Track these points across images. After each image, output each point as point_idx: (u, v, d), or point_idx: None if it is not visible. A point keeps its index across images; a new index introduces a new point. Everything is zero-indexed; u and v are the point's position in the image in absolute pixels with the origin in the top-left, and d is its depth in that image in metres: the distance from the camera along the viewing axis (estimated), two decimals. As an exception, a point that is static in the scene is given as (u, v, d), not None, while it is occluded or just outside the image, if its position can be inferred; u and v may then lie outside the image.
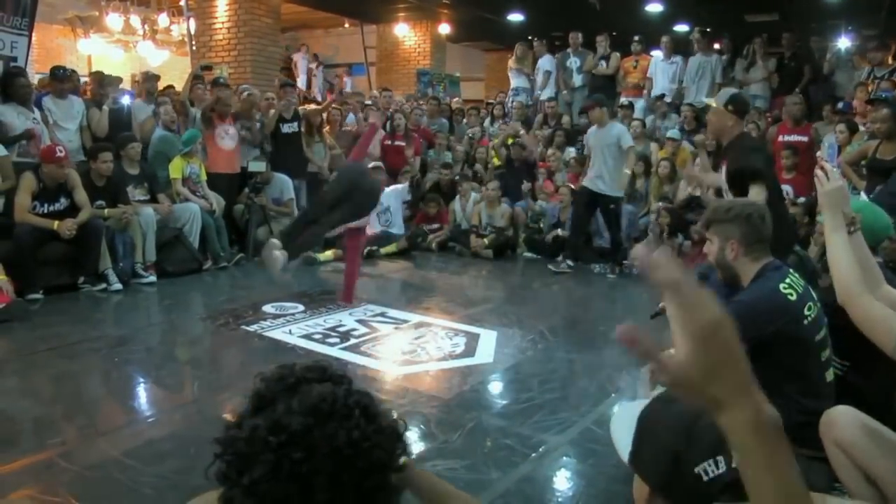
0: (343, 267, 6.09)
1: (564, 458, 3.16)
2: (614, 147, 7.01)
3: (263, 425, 0.95)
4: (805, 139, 7.65)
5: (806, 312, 2.56)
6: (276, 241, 5.19)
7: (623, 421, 1.34)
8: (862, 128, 6.83)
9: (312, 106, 8.94)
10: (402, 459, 1.03)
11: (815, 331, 2.58)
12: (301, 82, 13.79)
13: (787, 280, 2.59)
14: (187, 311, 5.86)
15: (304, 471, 0.93)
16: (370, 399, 1.03)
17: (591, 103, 7.44)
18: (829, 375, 2.65)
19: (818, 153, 7.18)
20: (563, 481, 3.00)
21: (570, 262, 7.37)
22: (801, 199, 6.99)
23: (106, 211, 6.12)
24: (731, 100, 4.18)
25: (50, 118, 6.49)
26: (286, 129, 8.16)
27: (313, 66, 14.76)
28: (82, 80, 8.31)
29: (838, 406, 2.51)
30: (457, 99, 12.47)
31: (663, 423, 1.21)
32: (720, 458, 1.14)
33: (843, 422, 2.37)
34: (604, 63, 10.25)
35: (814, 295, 2.67)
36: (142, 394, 4.04)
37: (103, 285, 5.91)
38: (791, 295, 2.56)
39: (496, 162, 9.35)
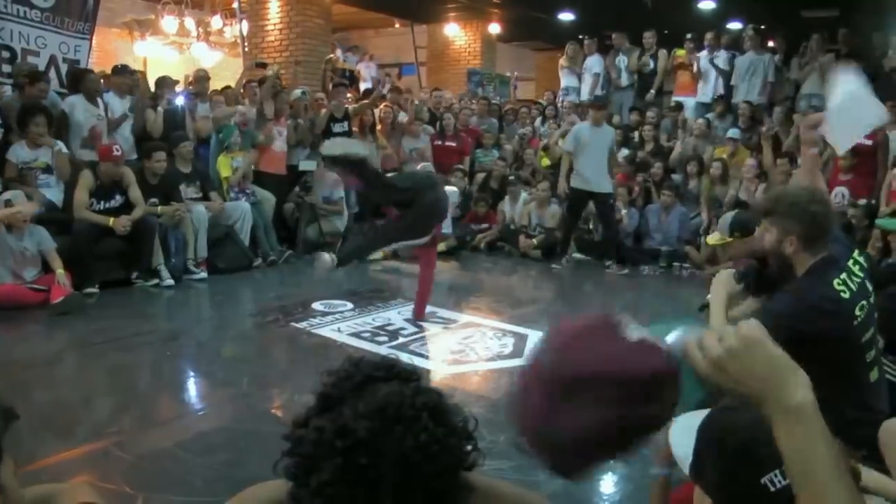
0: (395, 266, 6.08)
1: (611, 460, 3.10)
2: (606, 148, 7.31)
3: (330, 428, 0.94)
4: (869, 143, 7.34)
5: (857, 312, 2.46)
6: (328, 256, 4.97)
7: (682, 430, 1.30)
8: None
9: (359, 103, 8.96)
10: (473, 457, 1.01)
11: (863, 330, 2.48)
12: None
13: (843, 276, 2.49)
14: (237, 307, 5.94)
15: (371, 476, 0.92)
16: (439, 397, 1.00)
17: (598, 104, 7.69)
18: (875, 375, 2.55)
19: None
20: (609, 485, 2.96)
21: (566, 260, 7.65)
22: (862, 202, 6.77)
23: (159, 208, 6.25)
24: (732, 225, 3.77)
25: (111, 114, 6.66)
26: (337, 128, 8.21)
27: (363, 64, 14.71)
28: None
29: None
30: (505, 99, 12.41)
31: (725, 433, 1.17)
32: None
33: None
34: (651, 61, 10.07)
35: (869, 291, 2.57)
36: (192, 387, 4.11)
37: (156, 281, 6.03)
38: (844, 292, 2.46)
39: (546, 162, 9.26)
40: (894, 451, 2.28)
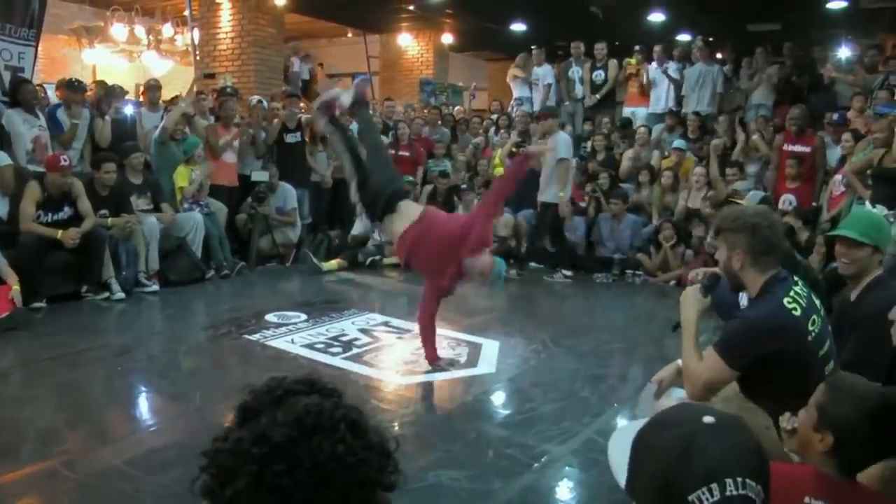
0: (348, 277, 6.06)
1: (567, 468, 3.15)
2: (555, 159, 7.32)
3: (247, 437, 0.94)
4: (808, 149, 7.63)
5: (810, 328, 2.52)
6: None
7: (621, 444, 1.32)
8: (867, 136, 6.82)
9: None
10: (393, 478, 1.00)
11: (818, 345, 2.54)
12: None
13: (792, 293, 2.55)
14: (190, 320, 5.87)
15: (286, 484, 0.91)
16: (359, 414, 1.00)
17: (546, 113, 7.75)
18: None
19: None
20: (565, 491, 3.00)
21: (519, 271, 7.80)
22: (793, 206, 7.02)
23: (109, 220, 6.14)
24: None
25: (59, 130, 6.52)
26: (290, 138, 8.19)
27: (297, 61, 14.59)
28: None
29: None
30: (458, 108, 12.48)
31: (656, 448, 1.19)
32: (714, 486, 1.12)
33: None
34: (601, 72, 10.23)
35: (818, 306, 2.64)
36: (144, 403, 4.04)
37: (106, 294, 5.92)
38: (796, 310, 2.51)
39: (499, 171, 9.34)
40: None
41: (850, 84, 8.64)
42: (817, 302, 2.65)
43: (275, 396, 1.00)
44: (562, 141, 7.45)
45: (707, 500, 1.12)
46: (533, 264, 8.11)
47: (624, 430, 1.37)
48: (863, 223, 3.05)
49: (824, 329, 2.59)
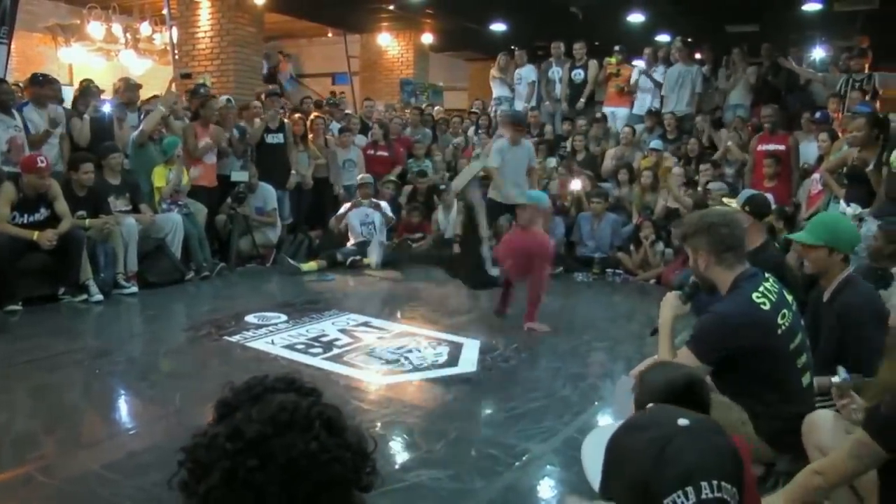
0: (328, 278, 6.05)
1: (548, 466, 3.17)
2: (524, 166, 7.26)
3: (223, 432, 0.94)
4: (783, 147, 7.74)
5: (780, 321, 2.57)
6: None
7: (594, 447, 1.33)
8: (841, 136, 6.93)
9: (297, 115, 8.91)
10: (370, 479, 1.00)
11: (789, 338, 2.59)
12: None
13: (761, 288, 2.60)
14: (169, 321, 5.82)
15: (259, 480, 0.91)
16: (336, 413, 1.00)
17: (518, 125, 7.58)
18: (807, 379, 2.67)
19: None
20: (546, 490, 3.01)
21: None
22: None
23: (87, 221, 6.07)
24: (748, 201, 4.10)
25: (31, 128, 6.41)
26: (271, 139, 8.14)
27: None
28: (65, 89, 8.21)
29: (820, 410, 2.55)
30: (438, 108, 12.48)
31: (631, 452, 1.19)
32: (689, 490, 1.13)
33: (824, 425, 2.40)
34: (580, 72, 10.27)
35: (790, 301, 2.68)
36: (123, 406, 4.01)
37: (84, 296, 5.85)
38: (764, 304, 2.56)
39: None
40: (809, 437, 2.41)
41: (820, 83, 8.83)
42: (789, 297, 2.70)
43: (253, 394, 1.00)
44: (528, 149, 7.47)
45: (683, 503, 1.12)
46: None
47: (596, 434, 1.38)
48: (816, 226, 3.15)
49: (796, 323, 2.64)
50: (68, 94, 7.85)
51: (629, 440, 1.20)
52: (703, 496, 1.12)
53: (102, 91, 7.85)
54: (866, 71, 8.59)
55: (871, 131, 5.53)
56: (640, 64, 10.10)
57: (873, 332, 2.83)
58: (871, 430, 1.92)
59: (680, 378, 1.96)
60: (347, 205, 8.13)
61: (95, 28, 11.42)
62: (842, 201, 5.65)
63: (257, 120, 8.16)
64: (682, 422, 1.19)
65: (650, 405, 1.34)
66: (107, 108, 7.23)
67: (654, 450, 1.16)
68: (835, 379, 2.39)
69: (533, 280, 5.46)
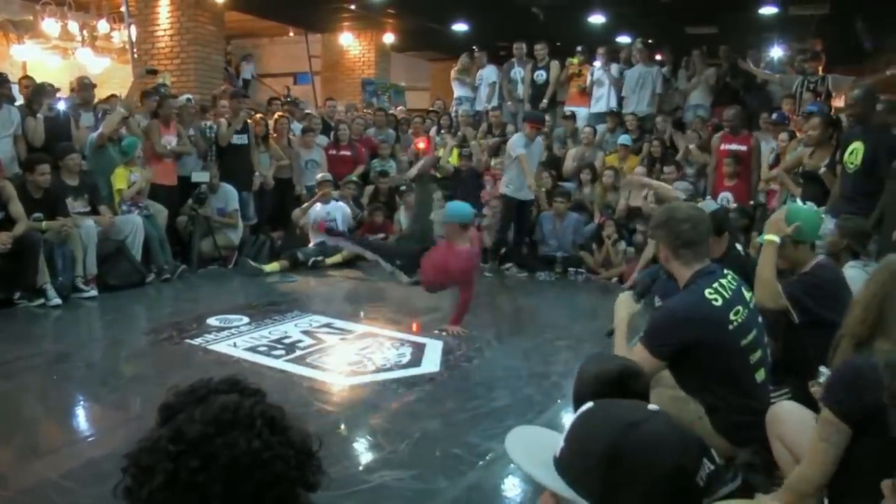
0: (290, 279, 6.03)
1: (512, 465, 3.18)
2: (537, 161, 7.89)
3: (165, 435, 0.94)
4: (744, 148, 7.87)
5: (732, 317, 2.62)
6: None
7: (519, 437, 1.32)
8: (798, 136, 7.08)
9: (258, 116, 8.83)
10: (316, 477, 1.00)
11: (741, 335, 2.64)
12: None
13: (716, 284, 2.65)
14: (130, 325, 5.75)
15: (201, 480, 0.91)
16: (280, 412, 1.00)
17: (535, 122, 7.78)
18: (761, 375, 2.72)
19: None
20: (511, 488, 3.04)
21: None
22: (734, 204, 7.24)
23: (44, 224, 5.94)
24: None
25: None
26: (236, 139, 8.04)
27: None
28: (13, 87, 7.98)
29: (784, 402, 2.61)
30: (401, 108, 12.47)
31: (640, 450, 1.11)
32: (705, 460, 1.11)
33: (788, 418, 2.46)
34: (542, 73, 10.34)
35: (747, 298, 2.74)
36: (82, 412, 3.95)
37: (41, 300, 5.73)
38: (717, 300, 2.61)
39: (443, 171, 9.36)
40: (772, 429, 2.47)
41: (777, 83, 9.04)
42: (748, 295, 2.75)
43: (197, 396, 1.00)
44: (541, 146, 7.95)
45: (708, 468, 1.10)
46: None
47: (517, 433, 1.36)
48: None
49: (751, 320, 2.69)
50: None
51: (630, 440, 1.12)
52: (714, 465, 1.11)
53: (58, 90, 7.69)
54: (820, 73, 8.78)
55: (826, 130, 5.66)
56: (597, 64, 10.18)
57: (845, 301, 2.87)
58: (826, 399, 2.01)
59: (613, 368, 2.01)
60: (314, 198, 8.09)
61: (50, 25, 11.17)
62: (798, 200, 5.77)
63: (222, 120, 8.06)
64: (652, 407, 1.18)
65: (589, 403, 1.26)
66: (61, 106, 7.09)
67: (627, 422, 1.12)
68: (821, 380, 2.43)
69: (460, 296, 5.43)
